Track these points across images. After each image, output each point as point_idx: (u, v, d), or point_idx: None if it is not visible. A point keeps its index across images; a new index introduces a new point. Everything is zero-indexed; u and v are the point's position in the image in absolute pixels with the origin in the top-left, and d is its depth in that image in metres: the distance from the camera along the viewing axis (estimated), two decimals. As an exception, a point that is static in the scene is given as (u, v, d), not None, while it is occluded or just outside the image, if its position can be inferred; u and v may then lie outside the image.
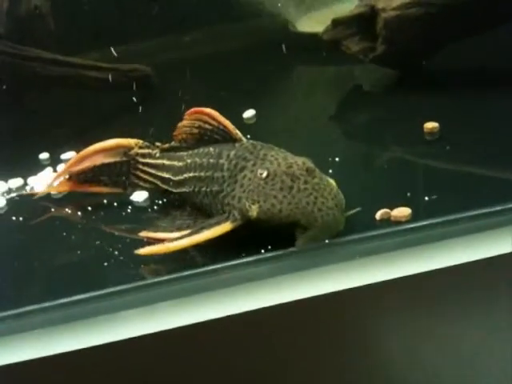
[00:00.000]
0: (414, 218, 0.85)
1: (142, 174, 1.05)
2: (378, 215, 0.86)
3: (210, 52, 1.62)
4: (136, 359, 0.79)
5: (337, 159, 1.05)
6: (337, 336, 0.81)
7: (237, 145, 0.92)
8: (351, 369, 0.83)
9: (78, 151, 1.11)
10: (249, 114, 1.28)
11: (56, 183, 1.09)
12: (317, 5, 1.66)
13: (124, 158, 1.06)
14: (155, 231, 0.91)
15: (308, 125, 1.28)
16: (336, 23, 1.36)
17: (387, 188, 0.98)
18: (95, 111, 1.45)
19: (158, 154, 1.03)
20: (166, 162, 1.02)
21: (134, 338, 0.77)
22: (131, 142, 1.06)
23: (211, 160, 0.92)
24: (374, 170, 1.07)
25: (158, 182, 1.03)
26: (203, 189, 0.92)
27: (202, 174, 0.93)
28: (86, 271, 0.91)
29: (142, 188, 1.06)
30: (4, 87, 1.36)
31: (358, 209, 0.84)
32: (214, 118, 0.94)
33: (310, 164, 0.86)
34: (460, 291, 0.80)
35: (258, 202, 0.83)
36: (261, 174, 0.85)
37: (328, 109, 1.34)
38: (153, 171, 1.04)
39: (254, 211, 0.83)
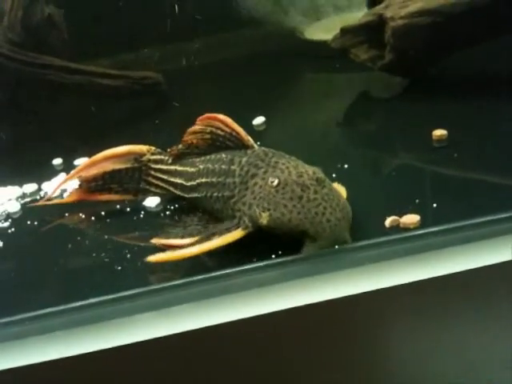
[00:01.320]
0: (423, 225, 0.86)
1: (153, 180, 1.06)
2: (388, 222, 0.88)
3: (219, 59, 1.63)
4: (149, 361, 0.80)
5: (346, 166, 1.06)
6: (346, 341, 0.82)
7: (249, 152, 0.93)
8: (359, 372, 0.84)
9: (90, 157, 1.12)
10: (258, 120, 1.29)
11: (65, 187, 1.10)
12: (325, 13, 1.67)
13: (135, 165, 1.07)
14: (167, 237, 0.92)
15: (317, 132, 1.29)
16: (344, 31, 1.38)
17: (396, 195, 0.99)
18: (108, 118, 1.46)
19: (170, 161, 1.04)
20: (178, 167, 1.02)
21: (148, 340, 0.78)
22: (143, 148, 1.07)
23: (223, 166, 0.93)
24: (382, 177, 1.08)
25: (171, 188, 1.04)
26: (215, 194, 0.94)
27: (214, 179, 0.94)
28: (99, 276, 0.93)
29: (154, 194, 1.07)
30: (17, 94, 1.38)
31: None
32: (226, 125, 0.95)
33: (320, 174, 0.88)
34: (468, 297, 0.81)
35: (269, 210, 0.84)
36: (272, 182, 0.86)
37: (337, 116, 1.35)
38: (165, 177, 1.05)
39: (264, 219, 0.85)
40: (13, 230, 1.07)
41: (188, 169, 1.01)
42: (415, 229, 0.86)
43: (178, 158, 1.03)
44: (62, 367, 0.77)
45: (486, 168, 1.00)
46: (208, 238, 0.87)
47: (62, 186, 1.12)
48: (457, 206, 0.90)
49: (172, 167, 1.04)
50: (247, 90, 1.49)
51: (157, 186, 1.06)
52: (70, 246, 1.00)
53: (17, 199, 1.15)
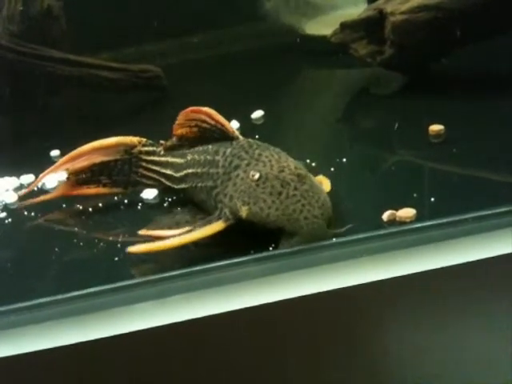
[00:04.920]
0: (419, 218, 0.86)
1: (145, 172, 1.06)
2: (385, 216, 0.88)
3: (220, 54, 1.64)
4: (144, 350, 0.80)
5: (344, 160, 1.06)
6: (342, 333, 0.83)
7: (234, 143, 0.94)
8: (352, 365, 0.85)
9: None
10: (257, 114, 1.29)
11: (49, 179, 1.09)
12: (325, 8, 1.67)
13: (125, 156, 1.05)
14: (155, 229, 0.92)
15: (315, 126, 1.29)
16: (344, 26, 1.38)
17: (394, 189, 0.99)
18: (107, 111, 1.46)
19: (162, 152, 1.04)
20: (170, 159, 1.03)
21: (140, 330, 0.79)
22: (134, 139, 1.06)
23: (208, 157, 0.94)
24: (380, 172, 1.08)
25: (163, 179, 1.04)
26: (199, 184, 0.94)
27: (199, 170, 0.95)
28: (93, 267, 0.93)
29: (146, 186, 1.06)
30: (17, 86, 1.38)
31: (349, 226, 0.85)
32: (211, 117, 0.95)
33: (301, 169, 0.88)
34: (462, 290, 0.81)
35: (248, 204, 0.85)
36: (253, 175, 0.87)
37: (335, 111, 1.35)
38: (157, 168, 1.04)
39: (243, 212, 0.85)
40: (10, 220, 1.07)
41: (178, 160, 1.01)
42: (411, 222, 0.86)
43: (169, 149, 1.03)
44: (57, 356, 0.77)
45: (482, 163, 1.01)
46: (189, 230, 0.87)
47: (48, 179, 1.11)
48: (453, 201, 0.90)
49: (164, 158, 1.04)
50: (247, 85, 1.49)
51: (149, 178, 1.06)
52: (66, 237, 1.00)
53: (14, 190, 1.15)
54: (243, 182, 0.87)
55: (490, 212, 0.82)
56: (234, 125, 1.24)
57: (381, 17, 1.33)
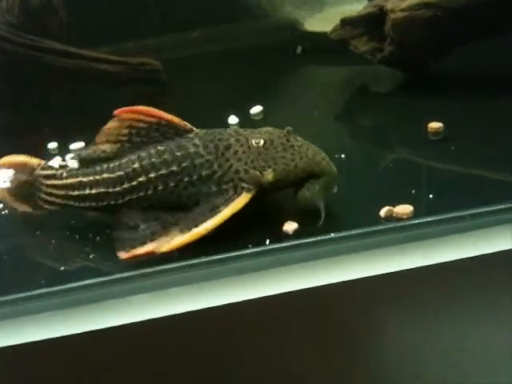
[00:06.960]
0: (416, 215, 0.86)
1: (46, 197, 0.98)
2: (382, 212, 0.88)
3: (219, 50, 1.63)
4: (138, 342, 0.80)
5: (342, 156, 1.06)
6: (340, 327, 0.83)
7: (191, 135, 0.92)
8: (350, 360, 0.84)
9: (85, 142, 1.11)
10: (256, 109, 1.29)
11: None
12: (325, 4, 1.67)
13: (30, 178, 1.00)
14: (132, 247, 0.86)
15: (314, 122, 1.29)
16: (344, 23, 1.38)
17: (392, 186, 0.99)
18: (105, 103, 1.45)
19: (64, 174, 0.96)
20: (84, 179, 0.95)
21: (136, 322, 0.79)
22: (34, 162, 1.00)
23: (177, 153, 0.90)
24: (378, 169, 1.08)
25: (71, 202, 0.97)
26: (185, 179, 0.89)
27: (174, 168, 0.89)
28: (91, 261, 0.93)
29: (48, 210, 0.99)
30: (16, 77, 1.37)
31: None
32: (152, 115, 0.92)
33: (280, 130, 0.91)
34: (460, 286, 0.81)
35: (269, 167, 0.87)
36: (257, 143, 0.89)
37: (334, 107, 1.35)
38: (62, 192, 0.97)
39: (268, 175, 0.87)
40: (6, 212, 1.06)
41: (106, 175, 0.93)
42: (408, 219, 0.86)
43: (87, 164, 0.96)
44: (53, 347, 0.77)
45: (480, 160, 1.01)
46: (214, 212, 0.86)
47: None
48: (450, 198, 0.90)
49: (72, 180, 0.96)
50: (246, 80, 1.49)
51: (51, 203, 0.98)
52: (60, 231, 0.99)
53: (10, 182, 1.14)
54: (247, 154, 0.89)
55: (487, 209, 0.83)
56: (233, 120, 1.23)
57: (381, 14, 1.33)
